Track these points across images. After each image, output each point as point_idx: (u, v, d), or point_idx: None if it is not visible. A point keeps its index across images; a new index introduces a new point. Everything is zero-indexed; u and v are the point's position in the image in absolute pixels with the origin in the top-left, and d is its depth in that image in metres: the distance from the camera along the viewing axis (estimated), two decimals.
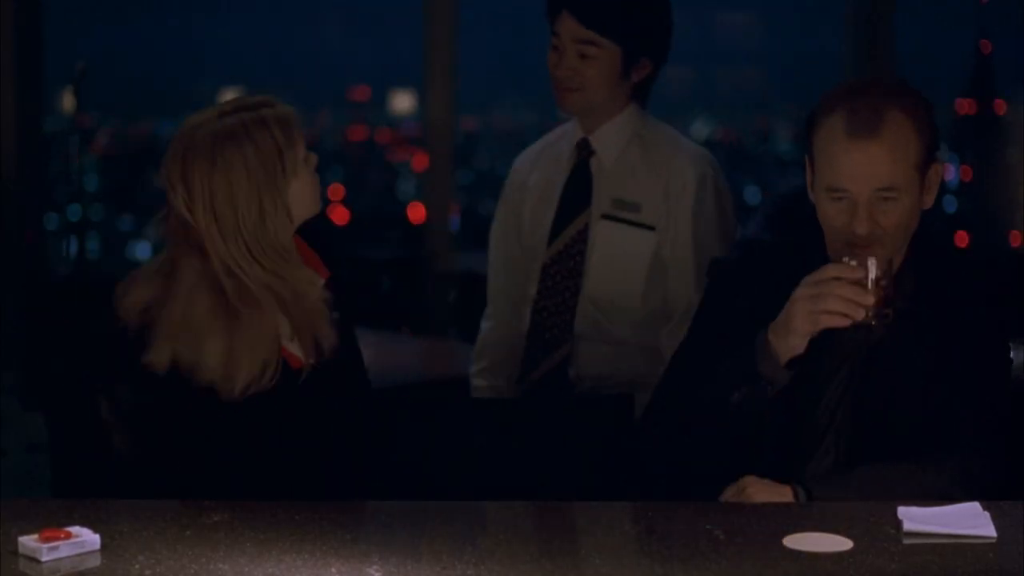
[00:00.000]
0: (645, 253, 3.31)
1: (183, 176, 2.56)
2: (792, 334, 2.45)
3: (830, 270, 2.45)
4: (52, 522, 2.21)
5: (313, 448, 2.64)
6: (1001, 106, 8.30)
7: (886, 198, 2.46)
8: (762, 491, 2.43)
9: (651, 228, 3.31)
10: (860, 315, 2.42)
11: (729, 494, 2.46)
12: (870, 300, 2.42)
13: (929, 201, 2.55)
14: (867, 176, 2.45)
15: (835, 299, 2.42)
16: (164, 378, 2.54)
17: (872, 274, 2.43)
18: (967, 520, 2.27)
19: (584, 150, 3.37)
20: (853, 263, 2.44)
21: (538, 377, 3.35)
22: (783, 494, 2.43)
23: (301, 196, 2.61)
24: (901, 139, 2.47)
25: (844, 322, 2.43)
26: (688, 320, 3.22)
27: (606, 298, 3.32)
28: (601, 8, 3.26)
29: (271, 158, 2.56)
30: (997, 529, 2.25)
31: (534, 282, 3.38)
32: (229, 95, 2.71)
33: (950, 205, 8.34)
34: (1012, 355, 2.62)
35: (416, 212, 7.37)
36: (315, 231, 2.73)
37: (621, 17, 3.27)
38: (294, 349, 2.63)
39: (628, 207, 3.32)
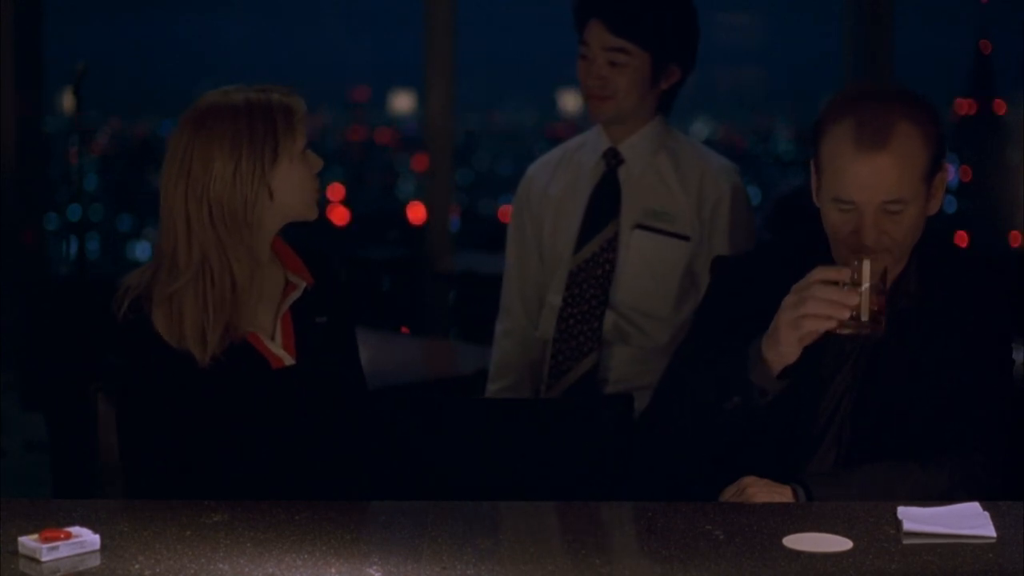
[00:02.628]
0: (679, 262, 3.31)
1: (173, 139, 2.57)
2: (779, 343, 2.42)
3: (815, 273, 2.42)
4: (52, 522, 2.21)
5: (304, 449, 2.63)
6: (1001, 106, 8.31)
7: (893, 210, 2.46)
8: (762, 491, 2.43)
9: (686, 238, 3.31)
10: (844, 315, 2.37)
11: (729, 494, 2.46)
12: (854, 300, 2.36)
13: (935, 207, 2.54)
14: (875, 188, 2.45)
15: (815, 301, 2.38)
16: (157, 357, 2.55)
17: (862, 275, 2.38)
18: (967, 520, 2.27)
19: (613, 159, 3.36)
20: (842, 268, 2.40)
21: (566, 388, 3.34)
22: (783, 494, 2.43)
23: (290, 186, 2.58)
24: (909, 151, 2.46)
25: (828, 324, 2.38)
26: None
27: (638, 307, 3.32)
28: (631, 15, 3.25)
29: (262, 136, 2.55)
30: (997, 529, 2.25)
31: (559, 290, 3.37)
32: None
33: (950, 205, 8.35)
34: (1013, 355, 2.62)
35: (416, 212, 7.37)
36: (311, 240, 2.72)
37: (651, 24, 3.26)
38: (275, 349, 2.63)
39: (662, 217, 3.33)
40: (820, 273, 2.40)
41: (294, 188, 2.60)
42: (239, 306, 2.56)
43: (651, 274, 3.32)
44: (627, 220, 3.33)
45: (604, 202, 3.36)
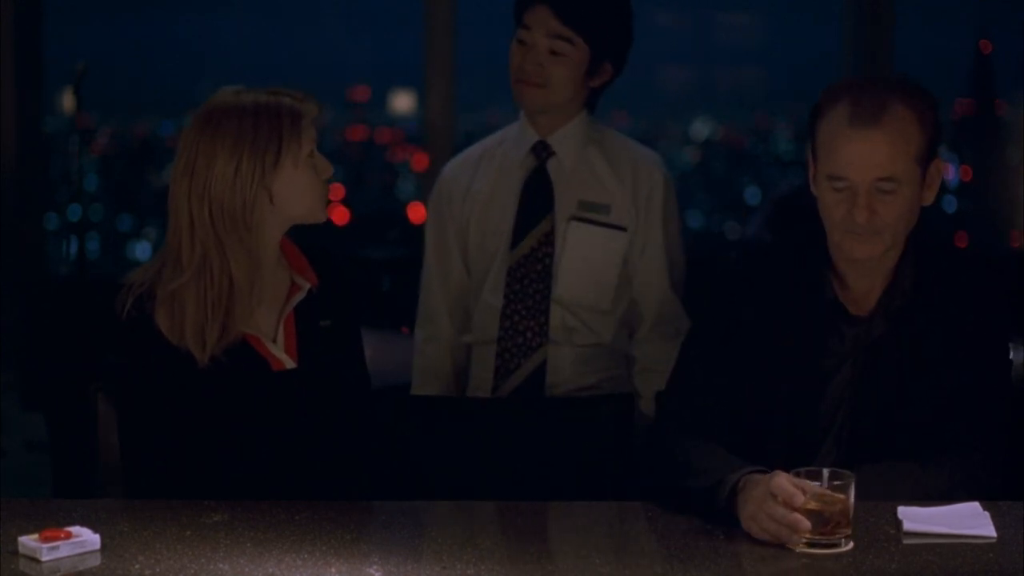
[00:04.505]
0: (617, 254, 3.29)
1: (183, 135, 2.58)
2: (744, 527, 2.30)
3: (775, 482, 2.25)
4: (52, 522, 2.22)
5: (304, 450, 2.62)
6: (1001, 106, 8.30)
7: (886, 190, 2.47)
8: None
9: (623, 229, 3.30)
10: (793, 542, 2.20)
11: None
12: (805, 525, 2.19)
13: (929, 197, 2.55)
14: (868, 165, 2.46)
15: (767, 519, 2.24)
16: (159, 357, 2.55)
17: (814, 494, 2.22)
18: (967, 520, 2.28)
19: (543, 152, 3.34)
20: (804, 480, 2.24)
21: (515, 386, 3.30)
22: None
23: (293, 191, 2.58)
24: (903, 130, 2.47)
25: (777, 542, 2.24)
26: (660, 325, 3.23)
27: (580, 301, 3.29)
28: (580, 6, 3.24)
29: (267, 139, 2.54)
30: (997, 529, 2.25)
31: (498, 288, 3.34)
32: None
33: (950, 205, 8.34)
34: (1012, 355, 2.62)
35: (416, 212, 7.37)
36: (311, 239, 2.71)
37: (596, 17, 3.25)
38: (276, 352, 2.62)
39: (597, 209, 3.30)
40: (776, 486, 2.23)
41: (297, 193, 2.59)
42: (236, 307, 2.56)
43: (590, 267, 3.29)
44: (562, 213, 3.31)
45: (536, 196, 3.33)
